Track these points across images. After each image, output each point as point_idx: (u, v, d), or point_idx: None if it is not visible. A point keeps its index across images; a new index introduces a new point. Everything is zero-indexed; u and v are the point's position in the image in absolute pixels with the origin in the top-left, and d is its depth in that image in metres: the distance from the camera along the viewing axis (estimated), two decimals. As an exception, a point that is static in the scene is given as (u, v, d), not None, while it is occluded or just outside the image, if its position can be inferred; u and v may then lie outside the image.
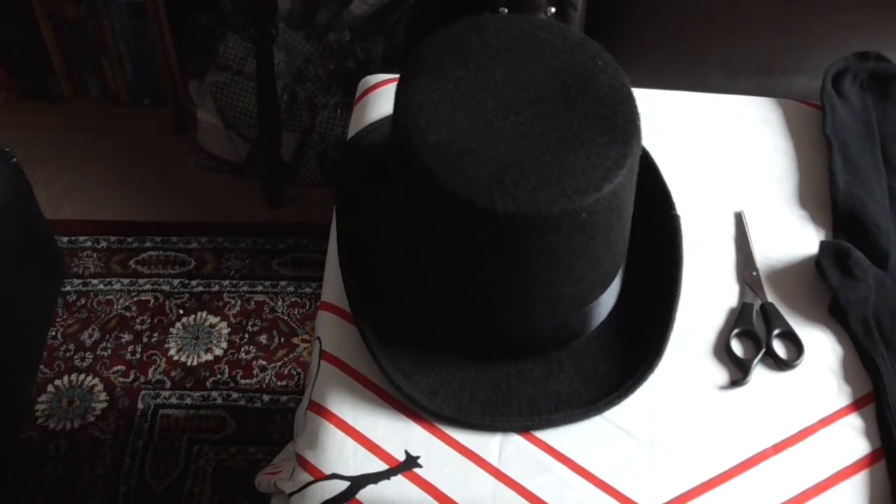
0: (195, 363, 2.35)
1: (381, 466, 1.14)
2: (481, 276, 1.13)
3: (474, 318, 1.17)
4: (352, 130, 1.40)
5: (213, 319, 2.43)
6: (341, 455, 1.14)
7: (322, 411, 1.17)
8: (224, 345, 2.38)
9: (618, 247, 1.17)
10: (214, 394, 2.30)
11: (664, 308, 1.23)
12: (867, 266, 1.26)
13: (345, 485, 1.12)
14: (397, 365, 1.18)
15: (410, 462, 1.13)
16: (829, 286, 1.26)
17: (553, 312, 1.17)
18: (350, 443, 1.15)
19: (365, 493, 1.12)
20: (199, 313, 2.44)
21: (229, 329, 2.40)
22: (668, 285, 1.24)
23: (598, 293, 1.18)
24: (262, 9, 2.30)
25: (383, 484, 1.12)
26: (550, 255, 1.10)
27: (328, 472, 1.12)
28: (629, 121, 1.12)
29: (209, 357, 2.36)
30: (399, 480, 1.13)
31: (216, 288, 2.49)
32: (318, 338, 1.23)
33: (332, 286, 1.25)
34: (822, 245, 1.27)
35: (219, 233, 2.59)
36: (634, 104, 1.13)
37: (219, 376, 2.32)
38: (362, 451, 1.15)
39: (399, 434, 1.17)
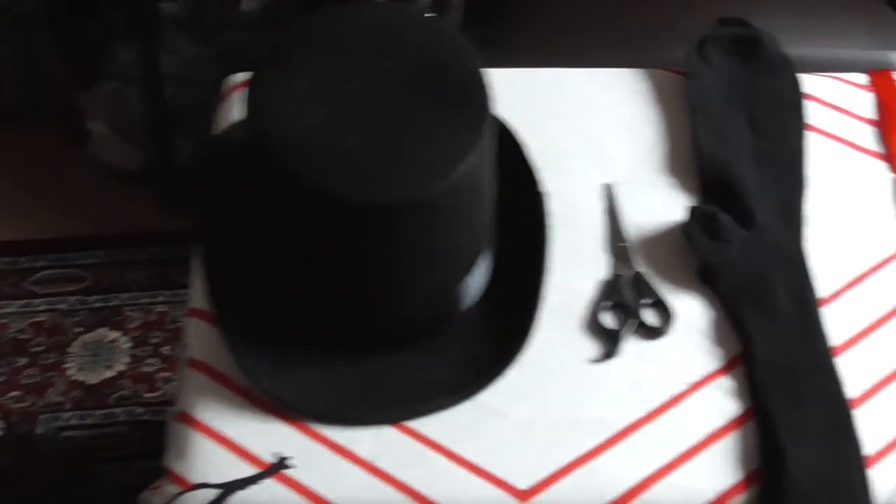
0: (96, 381, 2.30)
1: (251, 471, 1.11)
2: (342, 268, 1.12)
3: (339, 311, 1.16)
4: (217, 129, 1.37)
5: (113, 335, 2.38)
6: (210, 463, 1.12)
7: (189, 420, 1.15)
8: (126, 359, 2.33)
9: (479, 229, 1.16)
10: (118, 410, 2.25)
11: (532, 287, 1.22)
12: (734, 229, 1.26)
13: (214, 493, 1.10)
14: (263, 365, 1.15)
15: (280, 464, 1.11)
16: (696, 251, 1.24)
17: (419, 300, 1.15)
18: (219, 450, 1.13)
19: (235, 501, 1.10)
20: (98, 329, 2.39)
21: (131, 343, 2.36)
22: (534, 264, 1.23)
23: (463, 277, 1.16)
24: (145, 14, 2.27)
25: (253, 489, 1.10)
26: (410, 242, 1.09)
27: (196, 482, 1.10)
28: (482, 103, 1.11)
29: (110, 374, 2.32)
30: (269, 484, 1.11)
31: (115, 302, 2.45)
32: (185, 345, 1.20)
33: (200, 291, 1.23)
34: (689, 210, 1.27)
35: (116, 245, 2.54)
36: (486, 87, 1.13)
37: (121, 392, 2.27)
38: (231, 457, 1.13)
39: (269, 437, 1.14)
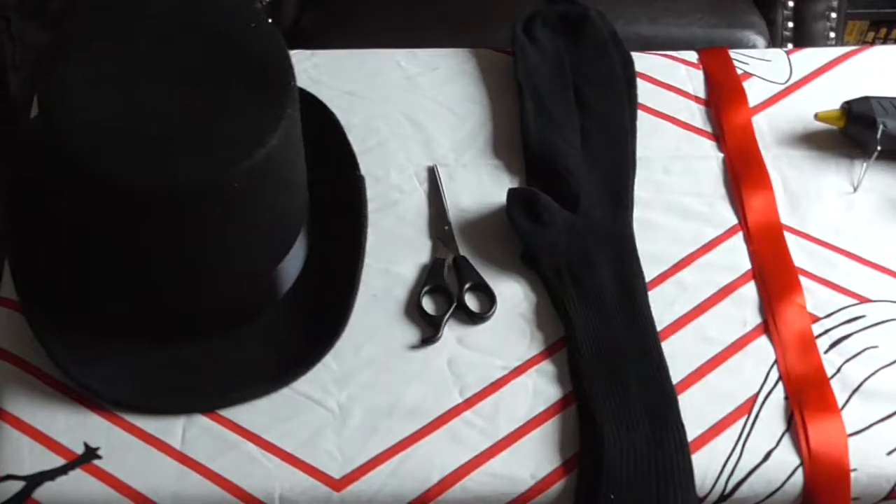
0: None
1: (60, 462, 1.08)
2: (143, 255, 1.09)
3: (145, 300, 1.13)
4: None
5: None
6: (17, 454, 1.09)
7: (-4, 411, 1.10)
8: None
9: (288, 213, 1.13)
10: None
11: (348, 273, 1.20)
12: (556, 210, 1.24)
13: (20, 485, 1.07)
14: (72, 354, 1.12)
15: (89, 454, 1.08)
16: (518, 233, 1.23)
17: (228, 286, 1.13)
18: (26, 441, 1.10)
19: (42, 492, 1.07)
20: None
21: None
22: (351, 249, 1.21)
23: (274, 263, 1.14)
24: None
25: (61, 480, 1.07)
26: (209, 228, 1.06)
27: (2, 473, 1.07)
28: (283, 83, 1.09)
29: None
30: (77, 474, 1.08)
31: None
32: (-6, 335, 1.16)
33: (9, 279, 1.19)
34: (510, 193, 1.25)
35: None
36: (289, 66, 1.10)
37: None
38: (39, 448, 1.10)
39: (79, 427, 1.12)
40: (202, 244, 1.07)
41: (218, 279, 1.11)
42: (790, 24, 1.85)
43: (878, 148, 1.31)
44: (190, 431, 1.11)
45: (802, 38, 1.84)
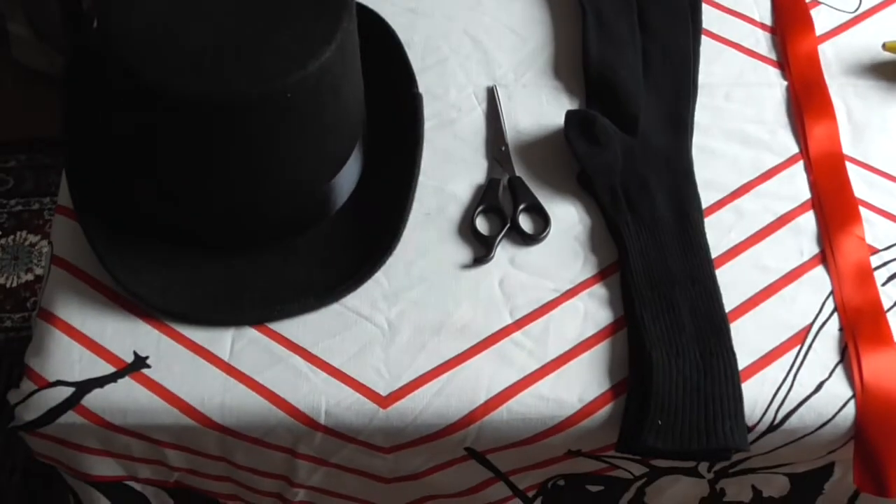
0: (14, 284, 2.27)
1: (109, 370, 1.09)
2: (194, 164, 1.10)
3: (200, 209, 1.14)
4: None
5: (33, 238, 2.35)
6: (66, 360, 1.10)
7: (49, 317, 1.13)
8: (45, 263, 2.29)
9: (342, 128, 1.12)
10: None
11: (402, 190, 1.20)
12: (613, 133, 1.23)
13: (69, 391, 1.08)
14: (125, 263, 1.13)
15: (138, 363, 1.09)
16: (575, 155, 1.22)
17: (282, 198, 1.13)
18: (76, 347, 1.11)
19: (91, 398, 1.07)
20: (18, 233, 2.35)
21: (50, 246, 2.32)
22: (405, 167, 1.20)
23: (327, 176, 1.14)
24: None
25: (110, 387, 1.08)
26: (261, 138, 1.06)
27: (52, 378, 1.08)
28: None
29: (30, 277, 2.28)
30: (126, 382, 1.08)
31: (36, 206, 2.41)
32: (51, 242, 1.17)
33: (65, 188, 1.19)
34: (568, 114, 1.24)
35: (38, 149, 2.49)
36: None
37: (40, 296, 2.24)
38: (89, 355, 1.10)
39: (128, 335, 1.12)
40: (254, 154, 1.06)
41: (270, 190, 1.11)
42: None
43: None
44: (238, 343, 1.11)
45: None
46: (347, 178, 1.16)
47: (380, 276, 1.16)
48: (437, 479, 1.14)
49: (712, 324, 1.13)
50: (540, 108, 1.29)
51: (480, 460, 1.12)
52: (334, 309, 1.14)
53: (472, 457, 1.12)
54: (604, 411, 1.09)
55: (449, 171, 1.23)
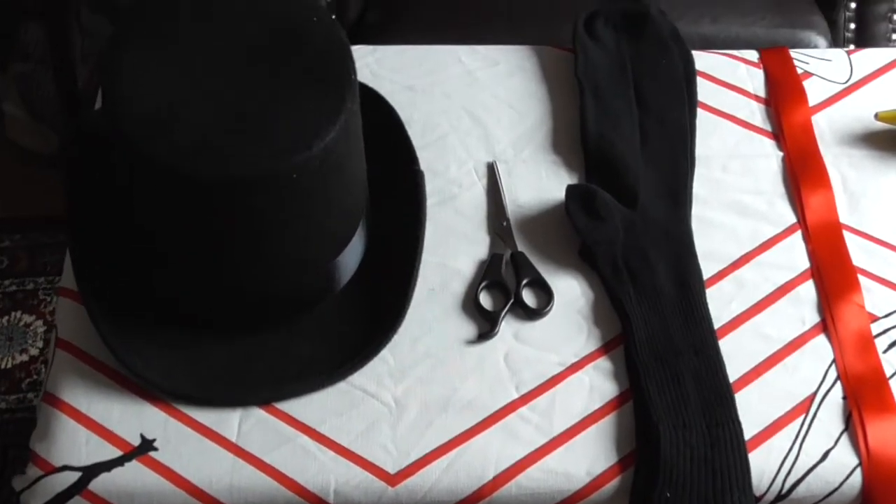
0: (9, 365, 2.26)
1: (116, 453, 1.09)
2: (202, 245, 1.10)
3: (205, 288, 1.14)
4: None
5: (28, 319, 2.34)
6: (73, 445, 1.10)
7: (55, 401, 1.13)
8: (40, 344, 2.29)
9: (346, 207, 1.14)
10: (31, 395, 2.21)
11: (406, 266, 1.20)
12: (614, 206, 1.24)
13: (76, 476, 1.07)
14: (130, 345, 1.13)
15: (145, 446, 1.09)
16: (576, 229, 1.23)
17: (286, 277, 1.14)
18: (83, 431, 1.10)
19: (98, 483, 1.07)
20: (13, 313, 2.35)
21: (45, 327, 2.32)
22: (409, 244, 1.21)
23: (332, 255, 1.15)
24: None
25: (117, 471, 1.08)
26: (266, 219, 1.07)
27: (59, 464, 1.08)
28: (343, 76, 1.09)
29: (24, 357, 2.28)
30: (134, 466, 1.09)
31: (31, 286, 2.41)
32: (55, 325, 1.17)
33: (69, 270, 1.20)
34: (569, 189, 1.25)
35: (32, 228, 2.49)
36: (349, 59, 1.11)
37: (35, 377, 2.24)
38: (95, 438, 1.10)
39: (135, 418, 1.12)
40: (259, 234, 1.08)
41: (275, 270, 1.12)
42: (852, 26, 1.83)
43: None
44: (246, 424, 1.11)
45: (864, 40, 1.83)
46: (352, 256, 1.17)
47: (385, 353, 1.16)
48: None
49: (717, 394, 1.13)
50: (539, 182, 1.30)
51: (493, 533, 1.11)
52: (341, 387, 1.14)
53: (484, 531, 1.10)
54: (612, 484, 1.10)
55: (452, 247, 1.24)
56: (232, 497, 1.08)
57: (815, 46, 1.76)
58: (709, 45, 1.51)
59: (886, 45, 1.85)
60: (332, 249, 1.14)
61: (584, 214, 1.23)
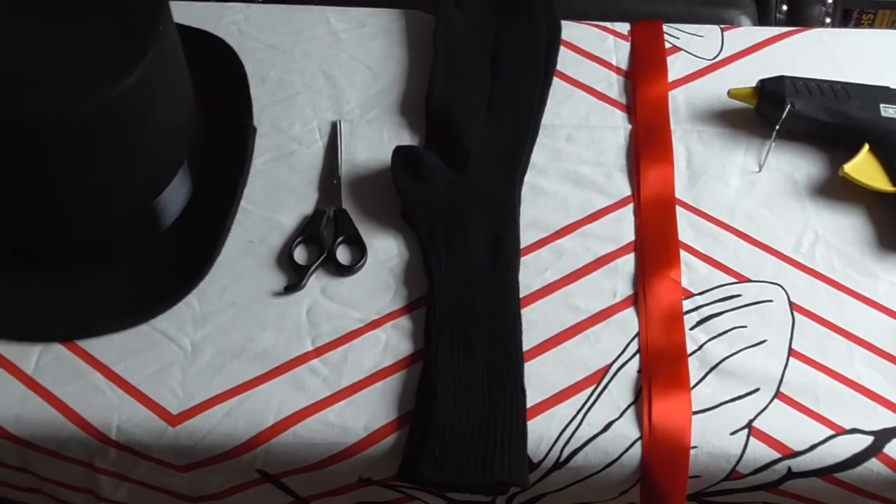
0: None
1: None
2: (6, 184, 1.12)
3: (10, 224, 1.16)
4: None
5: None
6: None
7: None
8: None
9: (158, 152, 1.16)
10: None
11: (220, 218, 1.22)
12: (439, 169, 1.26)
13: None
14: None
15: None
16: (398, 190, 1.24)
17: (92, 218, 1.16)
18: None
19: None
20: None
21: None
22: (227, 195, 1.23)
23: (143, 199, 1.17)
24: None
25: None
26: (68, 162, 1.10)
27: None
28: (148, 23, 1.11)
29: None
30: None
31: None
32: None
33: None
34: (395, 150, 1.27)
35: None
36: (159, 11, 1.12)
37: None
38: None
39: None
40: (57, 176, 1.11)
41: (78, 210, 1.15)
42: (784, 7, 1.81)
43: (776, 128, 1.28)
44: (45, 358, 1.15)
45: (796, 21, 1.81)
46: (171, 202, 1.20)
47: (192, 299, 1.19)
48: (239, 502, 1.15)
49: (506, 359, 1.14)
50: (380, 143, 1.32)
51: (276, 484, 1.14)
52: (142, 329, 1.17)
53: (267, 480, 1.13)
54: (389, 440, 1.11)
55: (279, 201, 1.27)
56: (18, 428, 1.11)
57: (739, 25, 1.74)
58: (628, 19, 1.51)
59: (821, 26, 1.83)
60: (145, 194, 1.17)
61: (408, 176, 1.25)
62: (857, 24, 2.21)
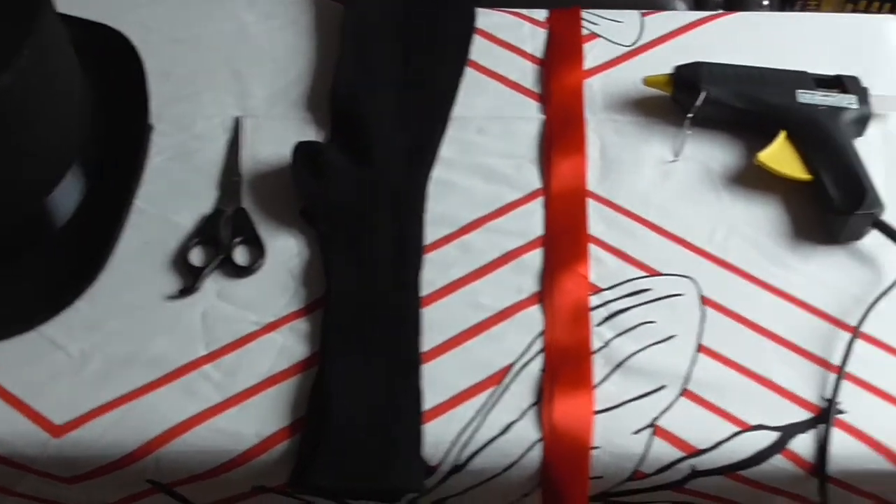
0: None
1: None
2: None
3: None
4: None
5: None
6: None
7: None
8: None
9: (38, 152, 1.13)
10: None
11: (113, 218, 1.19)
12: (342, 167, 1.23)
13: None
14: None
15: None
16: (297, 187, 1.21)
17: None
18: None
19: None
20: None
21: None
22: (121, 196, 1.19)
23: (29, 200, 1.15)
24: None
25: None
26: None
27: None
28: (24, 19, 1.08)
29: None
30: None
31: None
32: None
33: None
34: (296, 146, 1.23)
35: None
36: (39, 8, 1.09)
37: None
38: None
39: None
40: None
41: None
42: (722, -8, 1.77)
43: (689, 116, 1.24)
44: (-75, 366, 1.11)
45: (734, 6, 1.76)
46: (62, 201, 1.18)
47: (83, 304, 1.16)
48: (132, 513, 1.13)
49: (403, 362, 1.11)
50: (285, 139, 1.28)
51: (170, 493, 1.11)
52: (30, 336, 1.14)
53: (159, 489, 1.10)
54: (282, 447, 1.08)
55: (178, 201, 1.23)
56: None
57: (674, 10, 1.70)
58: (556, 5, 1.46)
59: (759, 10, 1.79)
60: (30, 194, 1.14)
61: (308, 173, 1.21)
62: (804, 9, 2.17)
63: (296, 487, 1.07)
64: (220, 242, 1.19)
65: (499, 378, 1.11)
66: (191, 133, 1.29)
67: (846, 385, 1.12)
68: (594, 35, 1.39)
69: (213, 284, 1.18)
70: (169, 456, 1.08)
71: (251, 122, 1.30)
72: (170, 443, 1.08)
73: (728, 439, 1.08)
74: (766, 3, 1.79)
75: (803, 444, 1.08)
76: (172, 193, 1.24)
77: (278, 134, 1.29)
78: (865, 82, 1.30)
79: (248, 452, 1.08)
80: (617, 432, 1.08)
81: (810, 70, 1.30)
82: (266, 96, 1.33)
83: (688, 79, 1.27)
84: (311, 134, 1.29)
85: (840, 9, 2.18)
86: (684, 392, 1.10)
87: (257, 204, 1.23)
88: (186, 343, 1.14)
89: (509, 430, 1.08)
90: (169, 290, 1.17)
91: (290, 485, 1.07)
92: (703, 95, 1.25)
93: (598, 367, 1.12)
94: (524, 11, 1.42)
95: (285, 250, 1.20)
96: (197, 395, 1.10)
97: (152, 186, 1.25)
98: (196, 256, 1.19)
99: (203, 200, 1.24)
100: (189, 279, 1.17)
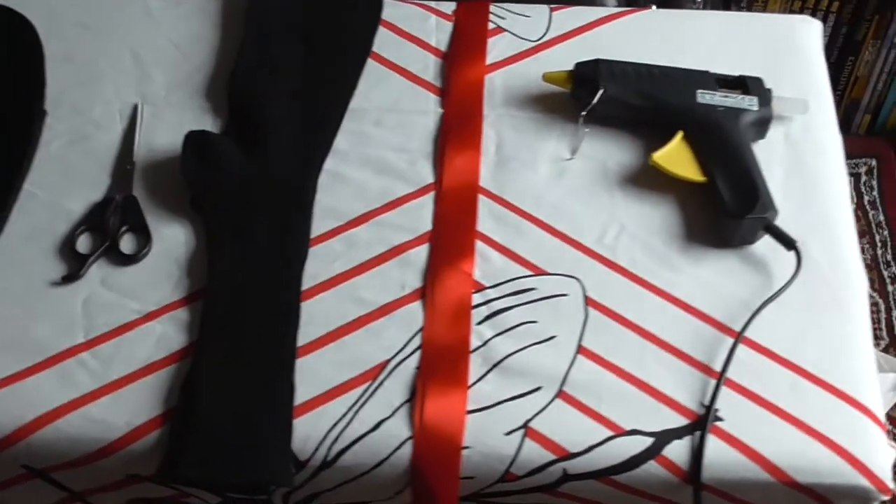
0: None
1: None
2: None
3: None
4: None
5: None
6: None
7: None
8: None
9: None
10: None
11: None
12: (232, 156, 1.23)
13: None
14: None
15: None
16: (185, 177, 1.21)
17: None
18: None
19: None
20: None
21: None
22: (8, 180, 1.20)
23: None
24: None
25: None
26: None
27: None
28: None
29: None
30: None
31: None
32: None
33: None
34: (187, 136, 1.23)
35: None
36: None
37: None
38: None
39: None
40: None
41: None
42: (656, -12, 1.76)
43: (583, 113, 1.24)
44: None
45: (669, 1, 1.75)
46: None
47: (-30, 296, 1.14)
48: (11, 497, 1.13)
49: (276, 356, 1.11)
50: (181, 127, 1.28)
51: (46, 479, 1.11)
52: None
53: (35, 475, 1.10)
54: (153, 436, 1.08)
55: (70, 187, 1.23)
56: None
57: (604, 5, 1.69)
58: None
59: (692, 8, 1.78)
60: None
61: (197, 162, 1.21)
62: (750, 8, 2.15)
63: (164, 478, 1.06)
64: (108, 230, 1.19)
65: (374, 374, 1.11)
66: (88, 118, 1.29)
67: (726, 392, 1.11)
68: (501, 29, 1.39)
69: (97, 271, 1.18)
70: (41, 442, 1.08)
71: (149, 109, 1.30)
72: (42, 429, 1.08)
73: (601, 443, 1.08)
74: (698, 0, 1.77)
75: (678, 451, 1.07)
76: (66, 179, 1.24)
77: (176, 122, 1.29)
78: (775, 83, 1.29)
79: (118, 441, 1.08)
80: (489, 432, 1.08)
81: (720, 70, 1.28)
82: (167, 83, 1.33)
83: (587, 76, 1.27)
84: (209, 122, 1.29)
85: (787, 9, 2.16)
86: (560, 394, 1.10)
87: (149, 192, 1.23)
88: (66, 330, 1.14)
89: (380, 427, 1.08)
90: (54, 276, 1.18)
91: (158, 475, 1.06)
92: (600, 93, 1.25)
93: (476, 366, 1.12)
94: (433, 4, 1.42)
95: (173, 239, 1.20)
96: (72, 382, 1.11)
97: (46, 172, 1.24)
98: (83, 243, 1.19)
99: (96, 187, 1.24)
100: (74, 266, 1.17)
